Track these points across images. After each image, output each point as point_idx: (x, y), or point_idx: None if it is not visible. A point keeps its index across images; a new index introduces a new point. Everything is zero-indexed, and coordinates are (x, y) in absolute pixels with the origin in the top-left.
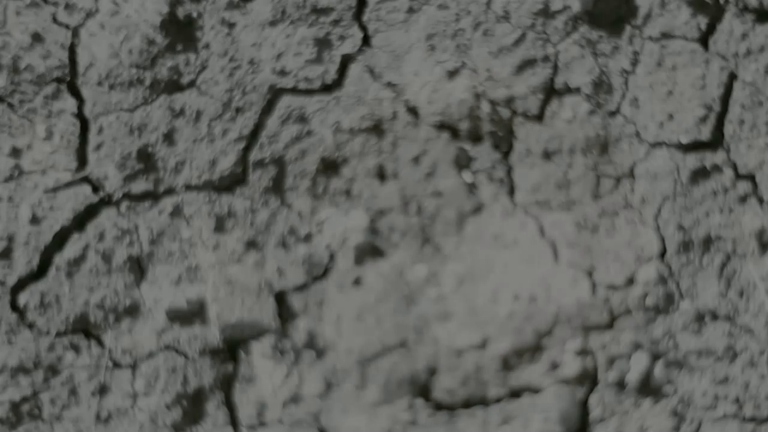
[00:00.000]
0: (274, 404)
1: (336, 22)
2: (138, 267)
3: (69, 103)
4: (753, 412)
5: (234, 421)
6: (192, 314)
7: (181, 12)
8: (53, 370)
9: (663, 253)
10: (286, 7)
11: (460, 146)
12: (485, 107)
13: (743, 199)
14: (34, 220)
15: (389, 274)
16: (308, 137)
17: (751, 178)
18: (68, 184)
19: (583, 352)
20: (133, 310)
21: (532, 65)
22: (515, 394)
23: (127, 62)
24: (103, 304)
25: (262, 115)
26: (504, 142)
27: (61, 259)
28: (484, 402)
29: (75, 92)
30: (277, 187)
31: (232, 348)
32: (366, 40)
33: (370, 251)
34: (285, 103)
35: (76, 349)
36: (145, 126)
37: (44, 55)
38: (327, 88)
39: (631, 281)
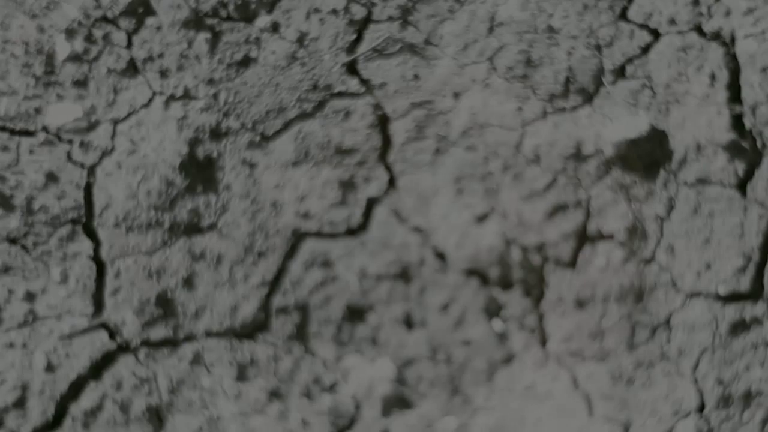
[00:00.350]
0: None
1: (361, 164)
2: (157, 417)
3: (85, 245)
4: None
5: None
6: None
7: (200, 152)
8: None
9: (702, 408)
10: (309, 148)
11: (490, 293)
12: (515, 253)
13: None
14: (49, 368)
15: (417, 425)
16: (333, 283)
17: None
18: (84, 331)
19: None
20: None
21: (563, 210)
22: None
23: (145, 204)
24: None
25: (285, 260)
26: (535, 290)
27: (77, 408)
28: None
29: (91, 234)
30: (300, 334)
31: None
32: (392, 182)
33: (397, 402)
34: (309, 247)
35: None
36: (164, 270)
37: (59, 195)
38: (352, 232)
39: None
